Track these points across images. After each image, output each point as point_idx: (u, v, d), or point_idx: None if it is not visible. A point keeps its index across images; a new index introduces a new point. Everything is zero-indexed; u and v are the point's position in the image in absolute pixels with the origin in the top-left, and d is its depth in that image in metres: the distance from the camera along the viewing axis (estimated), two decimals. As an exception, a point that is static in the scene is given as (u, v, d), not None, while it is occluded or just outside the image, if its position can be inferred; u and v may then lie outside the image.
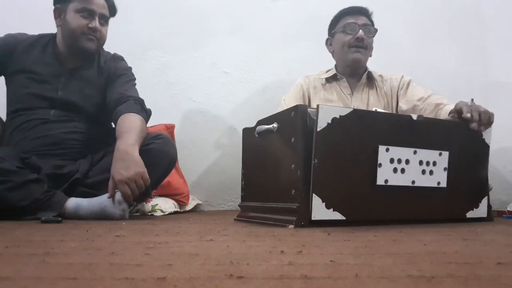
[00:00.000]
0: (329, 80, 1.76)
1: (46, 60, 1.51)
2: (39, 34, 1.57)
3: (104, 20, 1.52)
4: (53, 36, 1.56)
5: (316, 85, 1.77)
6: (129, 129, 1.36)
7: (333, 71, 1.76)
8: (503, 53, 2.28)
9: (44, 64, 1.50)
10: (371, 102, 1.71)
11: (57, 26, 1.53)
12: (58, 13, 1.51)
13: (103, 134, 1.54)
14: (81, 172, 1.40)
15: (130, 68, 1.63)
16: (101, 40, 1.53)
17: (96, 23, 1.48)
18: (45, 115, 1.46)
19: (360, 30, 1.64)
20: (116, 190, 1.27)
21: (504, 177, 2.16)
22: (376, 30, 1.71)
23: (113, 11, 1.56)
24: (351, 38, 1.66)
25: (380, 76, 1.77)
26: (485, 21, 2.33)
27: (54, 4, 1.51)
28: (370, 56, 1.77)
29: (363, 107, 1.68)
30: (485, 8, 2.33)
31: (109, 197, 1.27)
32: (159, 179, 1.46)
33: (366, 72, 1.74)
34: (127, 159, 1.27)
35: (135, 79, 1.61)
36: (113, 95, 1.50)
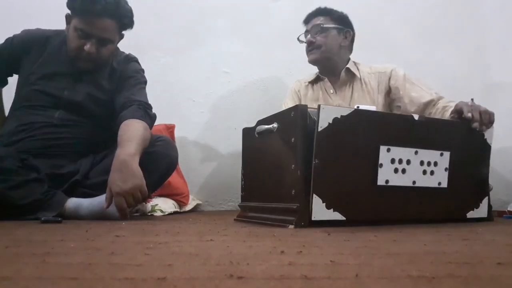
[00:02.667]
0: (315, 81, 1.81)
1: (59, 59, 1.49)
2: (55, 31, 1.54)
3: (106, 41, 1.45)
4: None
5: (306, 86, 1.83)
6: (131, 137, 1.31)
7: (318, 73, 1.81)
8: (503, 53, 2.28)
9: (56, 62, 1.48)
10: (355, 98, 1.70)
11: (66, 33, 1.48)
12: (67, 21, 1.46)
13: (107, 138, 1.50)
14: (82, 174, 1.39)
15: (142, 70, 1.59)
16: (99, 60, 1.47)
17: (90, 47, 1.41)
18: (50, 117, 1.44)
19: (308, 35, 1.73)
20: None
21: (504, 177, 2.16)
22: (322, 26, 1.69)
23: (127, 24, 1.48)
24: (306, 46, 1.75)
25: (369, 68, 1.75)
26: (485, 21, 2.33)
27: (68, 7, 1.44)
28: (344, 45, 1.73)
29: (345, 104, 1.68)
30: (485, 8, 2.33)
31: (106, 208, 1.24)
32: (159, 182, 1.46)
33: (344, 69, 1.73)
34: (125, 171, 1.22)
35: (145, 82, 1.57)
36: (120, 99, 1.48)
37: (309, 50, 1.74)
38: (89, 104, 1.49)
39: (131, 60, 1.60)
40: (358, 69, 1.75)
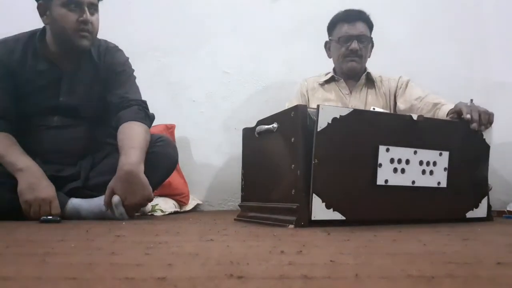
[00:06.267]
0: (328, 81, 1.79)
1: (40, 67, 1.39)
2: (24, 37, 1.41)
3: (94, 8, 1.36)
4: (40, 35, 1.41)
5: (315, 86, 1.81)
6: (134, 143, 1.30)
7: (331, 74, 1.79)
8: (503, 53, 2.28)
9: (39, 73, 1.39)
10: (369, 101, 1.72)
11: (45, 24, 1.38)
12: (43, 10, 1.35)
13: (105, 134, 1.49)
14: (83, 180, 1.38)
15: (127, 59, 1.53)
16: (94, 33, 1.38)
17: (86, 15, 1.32)
18: (48, 121, 1.42)
19: (354, 42, 1.67)
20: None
21: (504, 177, 2.16)
22: (370, 39, 1.72)
23: None
24: (345, 50, 1.69)
25: (380, 76, 1.78)
26: (485, 21, 2.33)
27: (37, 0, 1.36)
28: (369, 57, 1.78)
29: (361, 106, 1.69)
30: (485, 8, 2.33)
31: (106, 210, 1.26)
32: (160, 182, 1.46)
33: (365, 73, 1.75)
34: (133, 182, 1.24)
35: (133, 71, 1.53)
36: (114, 98, 1.44)
37: (351, 57, 1.69)
38: (85, 104, 1.45)
39: (114, 49, 1.51)
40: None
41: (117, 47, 1.53)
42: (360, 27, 1.68)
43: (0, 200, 1.25)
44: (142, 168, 1.27)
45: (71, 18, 1.32)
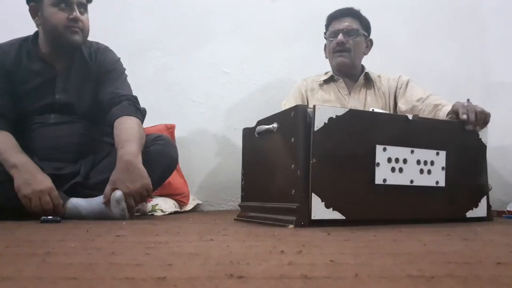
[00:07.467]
0: (327, 81, 1.79)
1: (35, 68, 1.45)
2: (18, 41, 1.48)
3: (83, 8, 1.43)
4: (32, 38, 1.48)
5: (314, 86, 1.80)
6: (129, 136, 1.33)
7: (331, 73, 1.79)
8: (503, 53, 2.28)
9: (34, 73, 1.45)
10: (368, 102, 1.72)
11: (37, 25, 1.45)
12: (35, 11, 1.42)
13: (102, 133, 1.52)
14: (82, 175, 1.39)
15: (119, 59, 1.57)
16: (85, 30, 1.44)
17: (76, 13, 1.39)
18: (45, 119, 1.45)
19: (340, 35, 1.68)
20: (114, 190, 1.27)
21: (503, 177, 2.16)
22: (358, 30, 1.70)
23: None
24: (333, 44, 1.71)
25: (379, 76, 1.78)
26: (485, 21, 2.33)
27: (28, 2, 1.42)
28: (365, 54, 1.78)
29: (360, 107, 1.69)
30: (485, 8, 2.34)
31: (104, 202, 1.26)
32: (159, 181, 1.46)
33: (364, 73, 1.75)
34: (132, 171, 1.25)
35: (124, 70, 1.56)
36: (106, 94, 1.46)
37: (337, 51, 1.70)
38: (81, 101, 1.48)
39: (105, 50, 1.55)
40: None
41: (108, 48, 1.57)
42: (346, 21, 1.70)
43: (0, 199, 1.25)
44: (140, 159, 1.29)
45: (62, 16, 1.39)
